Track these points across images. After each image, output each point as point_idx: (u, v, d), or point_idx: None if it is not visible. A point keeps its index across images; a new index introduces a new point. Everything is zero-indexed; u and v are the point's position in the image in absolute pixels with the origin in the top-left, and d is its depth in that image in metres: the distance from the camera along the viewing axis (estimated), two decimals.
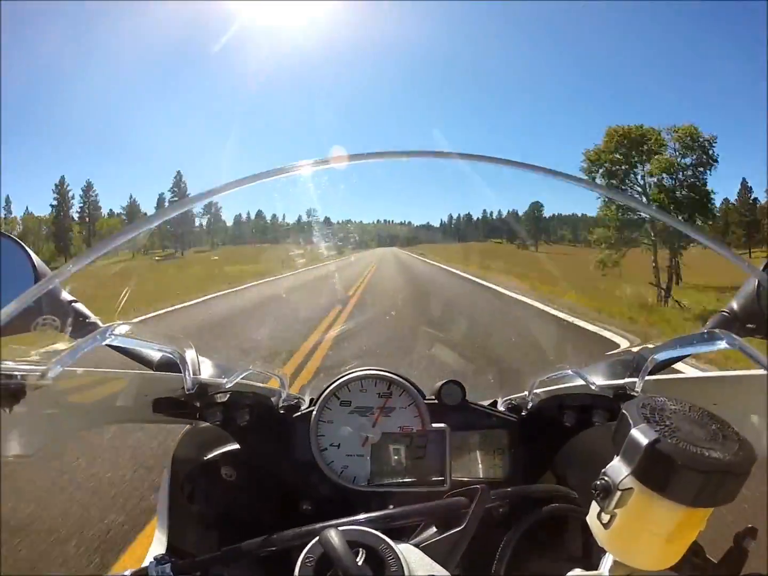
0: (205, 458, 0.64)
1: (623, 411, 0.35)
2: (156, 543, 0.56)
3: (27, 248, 0.59)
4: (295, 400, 0.70)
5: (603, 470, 0.34)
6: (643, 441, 0.31)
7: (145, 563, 0.44)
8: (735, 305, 0.67)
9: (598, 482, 0.33)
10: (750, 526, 0.44)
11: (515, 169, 0.42)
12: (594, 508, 0.35)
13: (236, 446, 0.64)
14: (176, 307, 8.33)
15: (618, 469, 0.33)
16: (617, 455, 0.34)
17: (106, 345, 0.43)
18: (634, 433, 0.32)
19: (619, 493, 0.32)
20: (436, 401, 0.67)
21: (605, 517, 0.34)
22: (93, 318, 0.63)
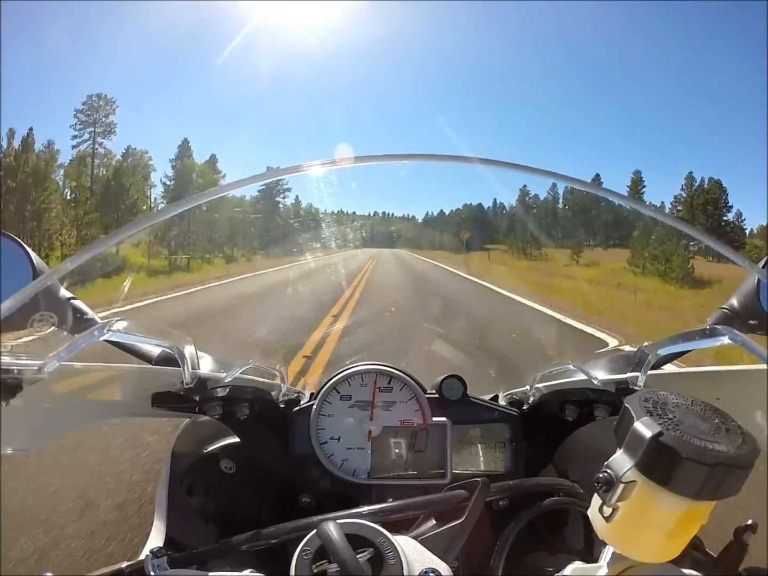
0: (205, 451, 0.64)
1: (626, 404, 0.34)
2: (154, 535, 0.56)
3: (26, 246, 0.59)
4: (295, 394, 0.70)
5: (606, 463, 0.34)
6: (647, 434, 0.31)
7: (142, 556, 0.44)
8: (735, 302, 0.67)
9: (601, 475, 0.33)
10: (750, 521, 0.44)
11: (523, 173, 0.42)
12: (596, 501, 0.35)
13: (236, 440, 0.64)
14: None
15: (621, 461, 0.33)
16: (620, 448, 0.33)
17: (104, 340, 0.42)
18: (638, 426, 0.32)
19: (622, 485, 0.32)
20: (437, 395, 0.67)
21: (607, 510, 0.33)
22: (91, 314, 0.63)
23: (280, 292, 9.69)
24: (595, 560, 0.38)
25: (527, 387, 0.68)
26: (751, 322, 0.65)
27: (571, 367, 0.63)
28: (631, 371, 0.57)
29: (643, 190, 41.29)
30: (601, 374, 0.60)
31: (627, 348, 0.68)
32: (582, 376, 0.60)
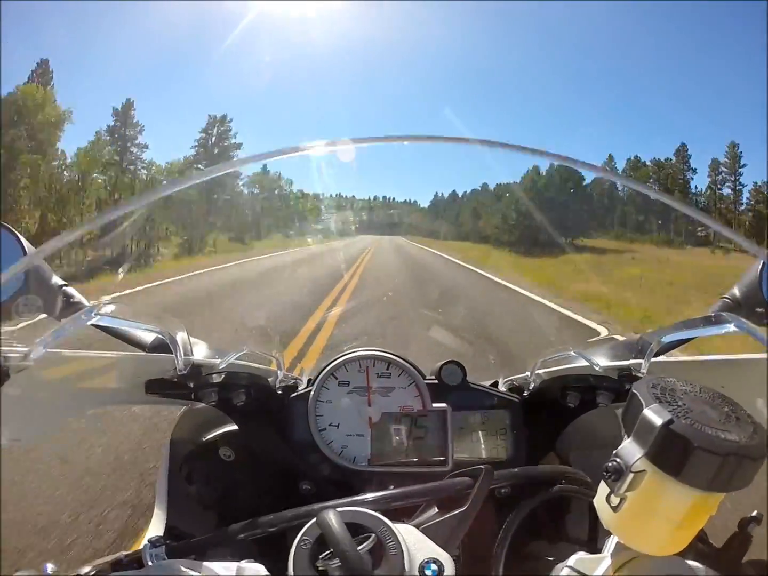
0: (204, 439, 0.63)
1: (633, 391, 0.33)
2: (154, 524, 0.56)
3: (19, 235, 0.58)
4: (293, 381, 0.69)
5: (614, 451, 0.33)
6: (657, 421, 0.30)
7: (142, 545, 0.44)
8: (737, 291, 0.66)
9: (610, 464, 0.32)
10: (755, 512, 0.43)
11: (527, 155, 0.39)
12: (603, 490, 0.34)
13: (234, 427, 0.63)
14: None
15: (630, 450, 0.31)
16: (628, 436, 0.32)
17: (94, 325, 0.41)
18: (647, 413, 0.31)
19: (631, 475, 0.31)
20: (436, 381, 0.66)
21: (615, 500, 0.32)
22: (82, 299, 0.62)
23: (260, 282, 8.58)
24: (599, 550, 0.38)
25: (527, 373, 0.67)
26: (758, 309, 0.64)
27: (572, 353, 0.62)
28: (634, 358, 0.56)
29: (742, 170, 31.68)
30: (602, 361, 0.59)
31: (629, 335, 0.67)
32: (583, 363, 0.59)
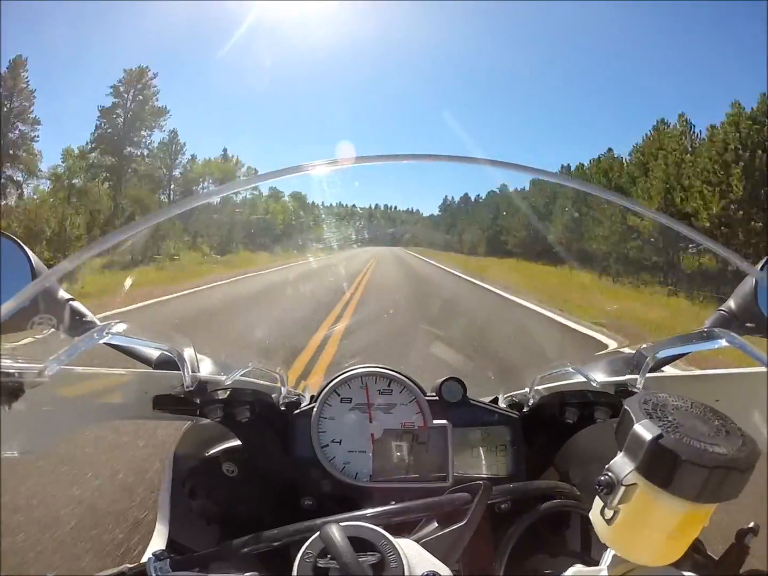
0: (207, 454, 0.64)
1: (625, 407, 0.34)
2: (156, 538, 0.56)
3: (25, 247, 0.60)
4: (296, 397, 0.70)
5: (606, 466, 0.34)
6: (647, 436, 0.31)
7: (145, 558, 0.44)
8: (732, 304, 0.67)
9: (602, 478, 0.33)
10: (752, 523, 0.44)
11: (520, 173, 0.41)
12: (597, 504, 0.35)
13: (237, 442, 0.63)
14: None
15: (621, 464, 0.33)
16: (620, 451, 0.33)
17: (104, 343, 0.42)
18: (637, 428, 0.32)
19: (623, 488, 0.32)
20: (436, 398, 0.67)
21: (608, 513, 0.33)
22: (90, 316, 0.63)
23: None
24: (596, 563, 0.38)
25: (527, 389, 0.68)
26: (749, 324, 0.65)
27: (570, 369, 0.63)
28: (630, 373, 0.57)
29: None
30: (599, 376, 0.60)
31: (625, 350, 0.68)
32: (581, 378, 0.60)
